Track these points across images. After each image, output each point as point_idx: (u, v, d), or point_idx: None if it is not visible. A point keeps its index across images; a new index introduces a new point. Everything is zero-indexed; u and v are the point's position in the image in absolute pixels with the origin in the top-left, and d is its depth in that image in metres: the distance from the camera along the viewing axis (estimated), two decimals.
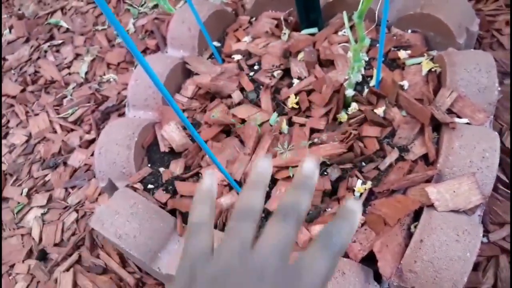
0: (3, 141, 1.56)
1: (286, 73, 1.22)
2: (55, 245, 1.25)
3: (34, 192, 1.40)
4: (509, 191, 1.04)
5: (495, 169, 0.89)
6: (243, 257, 0.34)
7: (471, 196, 0.86)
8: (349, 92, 1.04)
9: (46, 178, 1.42)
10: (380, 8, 1.13)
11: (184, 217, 1.01)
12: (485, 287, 0.94)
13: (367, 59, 1.16)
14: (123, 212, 0.97)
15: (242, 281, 0.32)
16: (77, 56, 1.75)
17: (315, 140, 1.03)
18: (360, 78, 1.00)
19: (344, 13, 0.96)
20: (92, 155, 1.41)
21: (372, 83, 1.10)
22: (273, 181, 1.00)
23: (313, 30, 1.29)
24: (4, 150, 1.53)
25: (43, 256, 1.23)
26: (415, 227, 0.86)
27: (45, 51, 1.80)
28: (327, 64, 1.20)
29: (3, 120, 1.63)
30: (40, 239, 1.28)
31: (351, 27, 1.19)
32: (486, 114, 1.01)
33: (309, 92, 1.14)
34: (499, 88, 1.02)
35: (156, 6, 1.82)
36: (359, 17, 0.81)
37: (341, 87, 1.08)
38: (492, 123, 1.06)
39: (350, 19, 1.15)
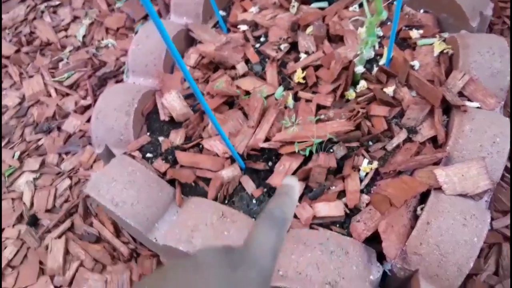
0: None
1: (293, 46, 1.19)
2: (47, 211, 1.22)
3: (26, 156, 1.36)
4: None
5: (506, 155, 0.87)
6: None
7: (479, 181, 0.84)
8: (359, 69, 1.01)
9: (39, 143, 1.38)
10: None
11: (183, 187, 0.98)
12: (486, 274, 0.93)
13: (381, 34, 1.13)
14: (121, 179, 0.94)
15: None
16: (75, 18, 1.70)
17: (322, 116, 1.00)
18: (372, 55, 0.97)
19: None
20: (88, 121, 1.37)
21: (382, 61, 1.07)
22: (277, 156, 0.98)
23: (323, 4, 1.25)
24: None
25: (34, 221, 1.20)
26: (422, 209, 0.84)
27: (42, 12, 1.74)
28: (336, 39, 1.17)
29: None
30: (32, 204, 1.24)
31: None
32: (497, 99, 0.98)
33: (316, 68, 1.11)
34: None
35: None
36: None
37: (350, 63, 1.05)
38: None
39: None
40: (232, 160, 0.98)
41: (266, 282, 0.33)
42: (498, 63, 1.00)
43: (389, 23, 1.17)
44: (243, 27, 1.26)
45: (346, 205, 0.89)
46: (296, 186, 0.39)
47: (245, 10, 1.32)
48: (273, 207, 0.36)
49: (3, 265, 1.14)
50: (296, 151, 0.93)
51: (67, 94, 1.48)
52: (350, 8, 1.22)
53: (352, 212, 0.89)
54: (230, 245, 0.35)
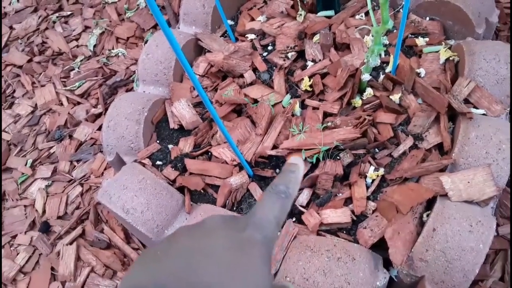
0: (8, 111, 1.54)
1: (300, 55, 1.20)
2: (59, 218, 1.24)
3: (38, 164, 1.38)
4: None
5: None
6: None
7: (485, 187, 0.85)
8: (365, 77, 1.03)
9: (51, 150, 1.41)
10: None
11: (192, 194, 1.00)
12: (492, 280, 0.94)
13: (387, 42, 1.14)
14: (131, 187, 0.96)
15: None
16: (86, 28, 1.73)
17: (329, 124, 1.02)
18: (378, 63, 0.98)
19: None
20: (99, 129, 1.40)
21: (389, 69, 1.08)
22: (284, 163, 0.99)
23: (330, 12, 1.26)
24: (9, 120, 1.52)
25: (46, 228, 1.23)
26: (427, 216, 0.85)
27: (54, 22, 1.77)
28: (343, 48, 1.18)
29: (9, 90, 1.61)
30: (44, 211, 1.27)
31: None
32: (503, 106, 0.99)
33: (323, 75, 1.12)
34: None
35: None
36: None
37: (356, 71, 1.06)
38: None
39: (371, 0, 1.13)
40: (240, 168, 1.00)
41: (269, 246, 0.35)
42: (504, 70, 1.01)
43: (395, 31, 1.18)
44: (251, 36, 1.28)
45: (353, 212, 0.90)
46: (300, 165, 0.42)
47: (252, 19, 1.34)
48: (278, 183, 0.39)
49: (15, 271, 1.16)
50: (303, 158, 0.95)
51: (79, 103, 1.50)
52: (357, 17, 1.24)
53: (359, 218, 0.90)
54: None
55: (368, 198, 0.91)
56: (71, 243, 1.17)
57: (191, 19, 1.33)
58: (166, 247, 0.33)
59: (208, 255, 0.31)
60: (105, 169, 1.31)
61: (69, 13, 1.79)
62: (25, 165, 1.38)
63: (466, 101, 1.00)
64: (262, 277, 0.32)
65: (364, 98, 1.05)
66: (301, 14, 1.26)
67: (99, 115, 1.45)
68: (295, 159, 0.42)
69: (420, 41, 1.14)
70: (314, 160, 0.95)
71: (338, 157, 0.96)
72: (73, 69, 1.60)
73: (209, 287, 0.29)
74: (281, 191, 0.38)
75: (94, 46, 1.66)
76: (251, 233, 0.34)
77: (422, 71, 1.07)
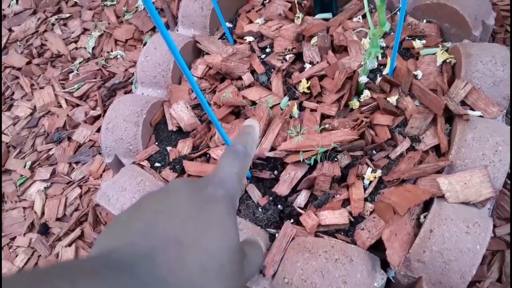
0: (7, 113, 1.55)
1: (298, 57, 1.21)
2: (57, 219, 1.25)
3: (37, 166, 1.39)
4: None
5: (508, 163, 0.89)
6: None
7: (482, 189, 0.86)
8: (363, 79, 1.03)
9: (50, 152, 1.41)
10: None
11: None
12: (489, 281, 0.94)
13: (384, 44, 1.14)
14: (130, 188, 0.96)
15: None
16: (85, 30, 1.73)
17: (326, 125, 1.02)
18: (375, 65, 0.99)
19: None
20: (97, 131, 1.40)
21: (386, 71, 1.08)
22: (282, 165, 1.00)
23: (327, 15, 1.27)
24: (8, 122, 1.52)
25: (44, 230, 1.23)
26: (425, 217, 0.86)
27: (53, 24, 1.78)
28: (340, 50, 1.19)
29: (8, 92, 1.61)
30: (42, 213, 1.27)
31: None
32: (499, 108, 1.00)
33: (321, 78, 1.13)
34: None
35: None
36: (381, 0, 0.80)
37: (354, 73, 1.06)
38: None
39: (369, 2, 1.13)
40: None
41: (233, 201, 0.36)
42: (501, 72, 1.01)
43: (392, 33, 1.18)
44: (249, 38, 1.28)
45: (350, 213, 0.90)
46: (256, 126, 0.44)
47: (251, 22, 1.34)
48: (235, 143, 0.40)
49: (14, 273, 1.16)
50: (301, 160, 0.95)
51: (77, 105, 1.51)
52: (354, 19, 1.24)
53: (357, 220, 0.90)
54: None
55: (365, 200, 0.92)
56: (70, 244, 1.18)
57: (190, 22, 1.34)
58: (131, 212, 0.33)
59: (172, 212, 0.32)
60: (103, 171, 1.31)
61: (68, 15, 1.80)
62: (24, 167, 1.38)
63: (463, 103, 1.01)
64: (229, 229, 0.33)
65: (361, 100, 1.06)
66: (299, 17, 1.26)
67: (97, 117, 1.45)
68: (250, 121, 0.44)
69: (417, 43, 1.14)
70: (312, 162, 0.95)
71: (335, 159, 0.97)
72: (72, 71, 1.61)
73: (176, 240, 0.29)
74: (239, 150, 0.39)
75: (93, 48, 1.66)
76: (213, 189, 0.35)
77: (419, 73, 1.08)
